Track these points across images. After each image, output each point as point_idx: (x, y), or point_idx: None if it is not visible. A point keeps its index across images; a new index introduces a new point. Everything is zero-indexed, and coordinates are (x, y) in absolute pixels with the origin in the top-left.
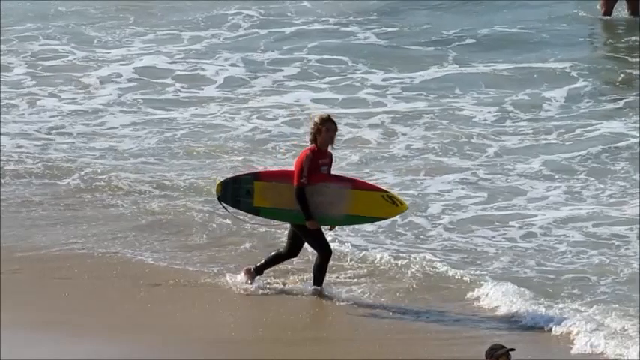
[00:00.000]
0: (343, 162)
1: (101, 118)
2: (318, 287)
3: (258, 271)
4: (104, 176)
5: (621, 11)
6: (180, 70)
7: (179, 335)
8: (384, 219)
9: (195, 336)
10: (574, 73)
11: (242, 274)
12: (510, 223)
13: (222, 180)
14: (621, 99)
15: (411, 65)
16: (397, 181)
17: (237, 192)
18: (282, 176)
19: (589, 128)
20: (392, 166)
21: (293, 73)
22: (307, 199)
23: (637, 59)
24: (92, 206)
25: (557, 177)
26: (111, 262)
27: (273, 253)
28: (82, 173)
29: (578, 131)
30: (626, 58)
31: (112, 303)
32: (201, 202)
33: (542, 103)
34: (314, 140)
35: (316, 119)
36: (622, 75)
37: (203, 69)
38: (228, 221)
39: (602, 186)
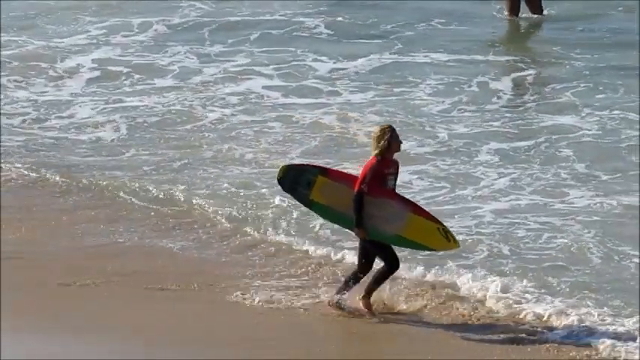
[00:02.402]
0: (298, 150)
1: (70, 109)
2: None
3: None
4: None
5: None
6: (137, 61)
7: None
8: (433, 250)
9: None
10: (520, 65)
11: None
12: (466, 213)
13: (288, 164)
14: (567, 90)
15: (359, 55)
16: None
17: (297, 180)
18: (348, 179)
19: (535, 119)
20: (349, 154)
21: (243, 62)
22: (363, 208)
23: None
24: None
25: (505, 165)
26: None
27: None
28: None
29: (525, 121)
30: (551, 52)
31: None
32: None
33: (490, 93)
34: (381, 151)
35: (382, 130)
36: (567, 67)
37: (157, 59)
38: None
39: (544, 175)
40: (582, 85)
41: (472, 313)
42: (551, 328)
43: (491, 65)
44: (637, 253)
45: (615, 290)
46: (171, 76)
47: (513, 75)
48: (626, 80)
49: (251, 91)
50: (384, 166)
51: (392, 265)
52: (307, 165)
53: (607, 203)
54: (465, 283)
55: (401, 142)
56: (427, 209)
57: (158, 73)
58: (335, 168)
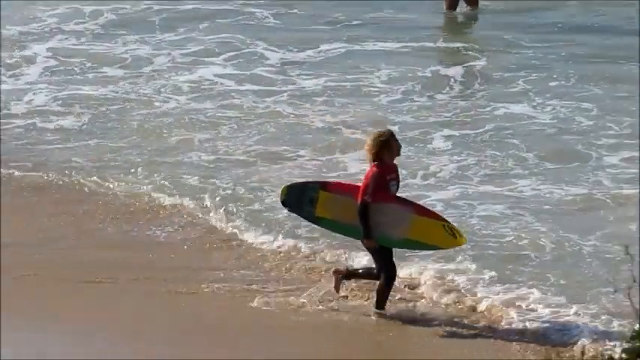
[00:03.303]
0: (255, 137)
1: (28, 97)
2: (381, 311)
3: (348, 277)
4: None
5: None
6: (90, 49)
7: None
8: (441, 248)
9: None
10: (470, 53)
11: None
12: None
13: (288, 184)
14: (518, 79)
15: (310, 44)
16: (318, 163)
17: (301, 198)
18: (349, 190)
19: (487, 108)
20: (305, 141)
21: (195, 50)
22: (369, 217)
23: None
24: None
25: (455, 154)
26: None
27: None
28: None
29: (477, 110)
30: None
31: None
32: None
33: (442, 82)
34: (380, 156)
35: (382, 135)
36: (517, 56)
37: (110, 48)
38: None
39: (494, 164)
40: (534, 74)
41: (414, 302)
42: (503, 318)
43: (443, 54)
44: (588, 242)
45: (569, 279)
46: (124, 64)
47: (465, 64)
48: (578, 69)
49: (204, 79)
50: (386, 172)
51: (388, 274)
52: (307, 182)
53: (556, 192)
54: (411, 273)
55: (400, 146)
56: (430, 208)
57: (112, 61)
58: (334, 180)
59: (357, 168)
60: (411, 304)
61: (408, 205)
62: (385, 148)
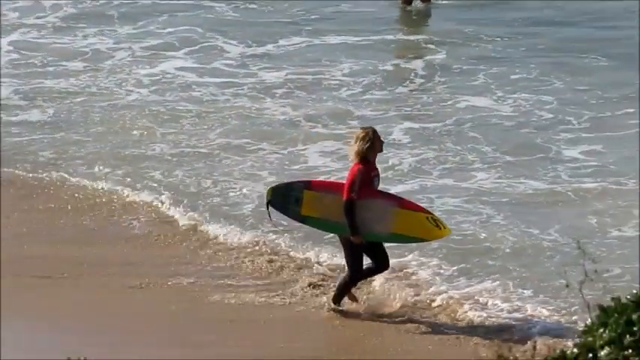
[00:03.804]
0: (218, 130)
1: None
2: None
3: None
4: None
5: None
6: (51, 43)
7: None
8: (427, 240)
9: None
10: (430, 46)
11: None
12: None
13: (273, 186)
14: (479, 72)
15: (270, 38)
16: (280, 156)
17: (286, 199)
18: (333, 187)
19: (448, 102)
20: (266, 133)
21: (154, 44)
22: (355, 214)
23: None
24: None
25: (415, 147)
26: None
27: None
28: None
29: (438, 103)
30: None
31: None
32: None
33: (403, 74)
34: (365, 154)
35: (366, 133)
36: (477, 49)
37: (70, 42)
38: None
39: (454, 158)
40: (495, 67)
41: (369, 296)
42: (459, 313)
43: (402, 47)
44: (548, 236)
45: (529, 273)
46: (85, 57)
47: (425, 57)
48: (539, 63)
49: (165, 72)
50: (370, 169)
51: (380, 264)
52: (291, 182)
53: (516, 186)
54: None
55: (383, 142)
56: (413, 200)
57: (73, 55)
58: (319, 179)
59: (318, 161)
60: (370, 296)
61: (392, 199)
62: (370, 148)
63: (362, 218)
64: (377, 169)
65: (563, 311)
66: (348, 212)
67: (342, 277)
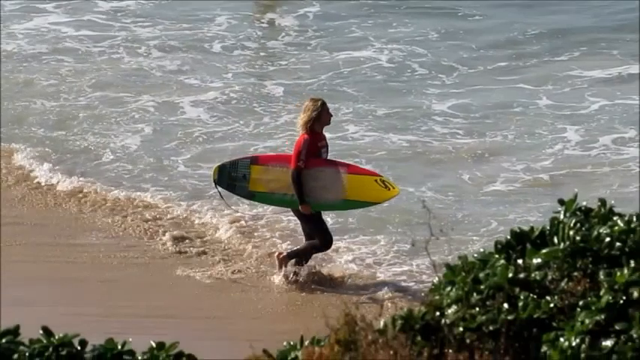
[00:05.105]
0: (93, 80)
1: None
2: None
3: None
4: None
5: None
6: None
7: None
8: (377, 203)
9: None
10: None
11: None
12: (245, 151)
13: (219, 164)
14: (352, 25)
15: None
16: (158, 106)
17: (233, 176)
18: (280, 160)
19: (325, 58)
20: (145, 86)
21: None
22: (303, 183)
23: None
24: None
25: (288, 103)
26: None
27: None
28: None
29: (314, 58)
30: None
31: None
32: None
33: (277, 30)
34: (311, 123)
35: (315, 103)
36: (352, 2)
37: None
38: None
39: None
40: (369, 20)
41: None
42: (308, 270)
43: (276, 1)
44: (423, 193)
45: (395, 231)
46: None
47: (297, 11)
48: (414, 17)
49: (40, 26)
50: (317, 139)
51: (324, 243)
52: (237, 159)
53: (389, 140)
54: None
55: (331, 116)
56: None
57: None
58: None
59: (194, 112)
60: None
61: (341, 165)
62: (316, 119)
63: (311, 187)
64: (325, 139)
65: (415, 272)
66: (296, 181)
67: (307, 243)
